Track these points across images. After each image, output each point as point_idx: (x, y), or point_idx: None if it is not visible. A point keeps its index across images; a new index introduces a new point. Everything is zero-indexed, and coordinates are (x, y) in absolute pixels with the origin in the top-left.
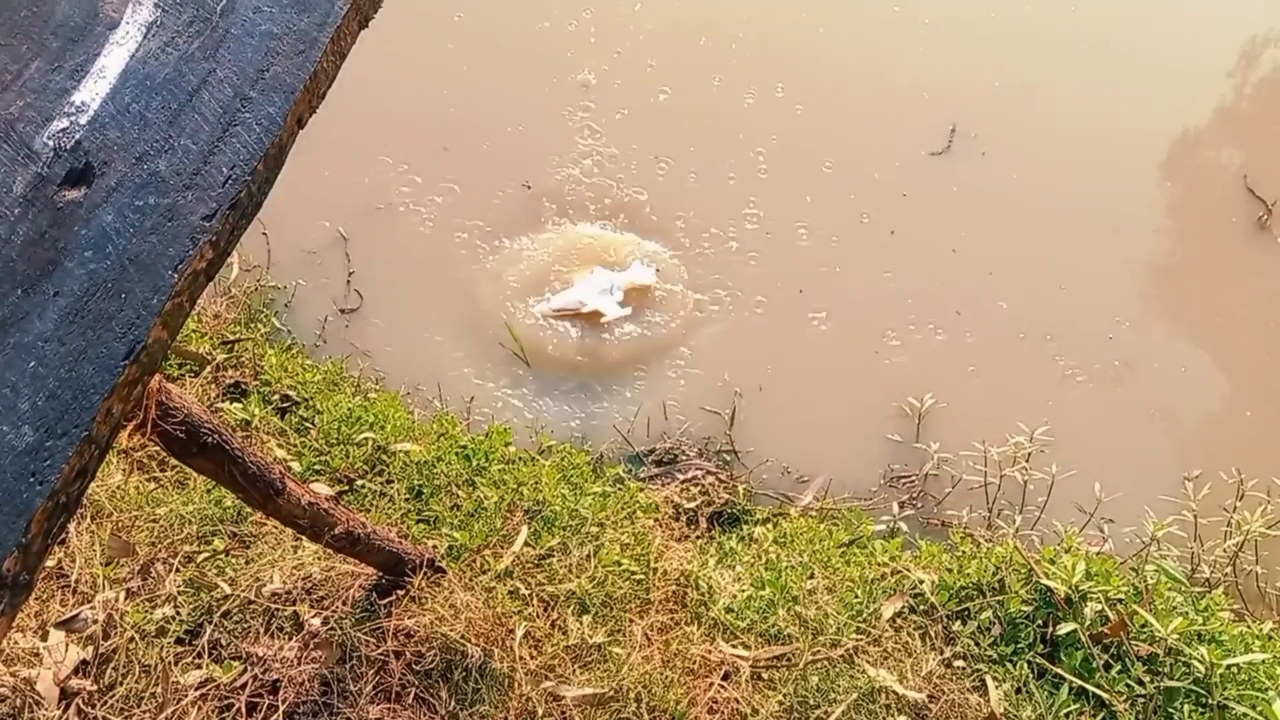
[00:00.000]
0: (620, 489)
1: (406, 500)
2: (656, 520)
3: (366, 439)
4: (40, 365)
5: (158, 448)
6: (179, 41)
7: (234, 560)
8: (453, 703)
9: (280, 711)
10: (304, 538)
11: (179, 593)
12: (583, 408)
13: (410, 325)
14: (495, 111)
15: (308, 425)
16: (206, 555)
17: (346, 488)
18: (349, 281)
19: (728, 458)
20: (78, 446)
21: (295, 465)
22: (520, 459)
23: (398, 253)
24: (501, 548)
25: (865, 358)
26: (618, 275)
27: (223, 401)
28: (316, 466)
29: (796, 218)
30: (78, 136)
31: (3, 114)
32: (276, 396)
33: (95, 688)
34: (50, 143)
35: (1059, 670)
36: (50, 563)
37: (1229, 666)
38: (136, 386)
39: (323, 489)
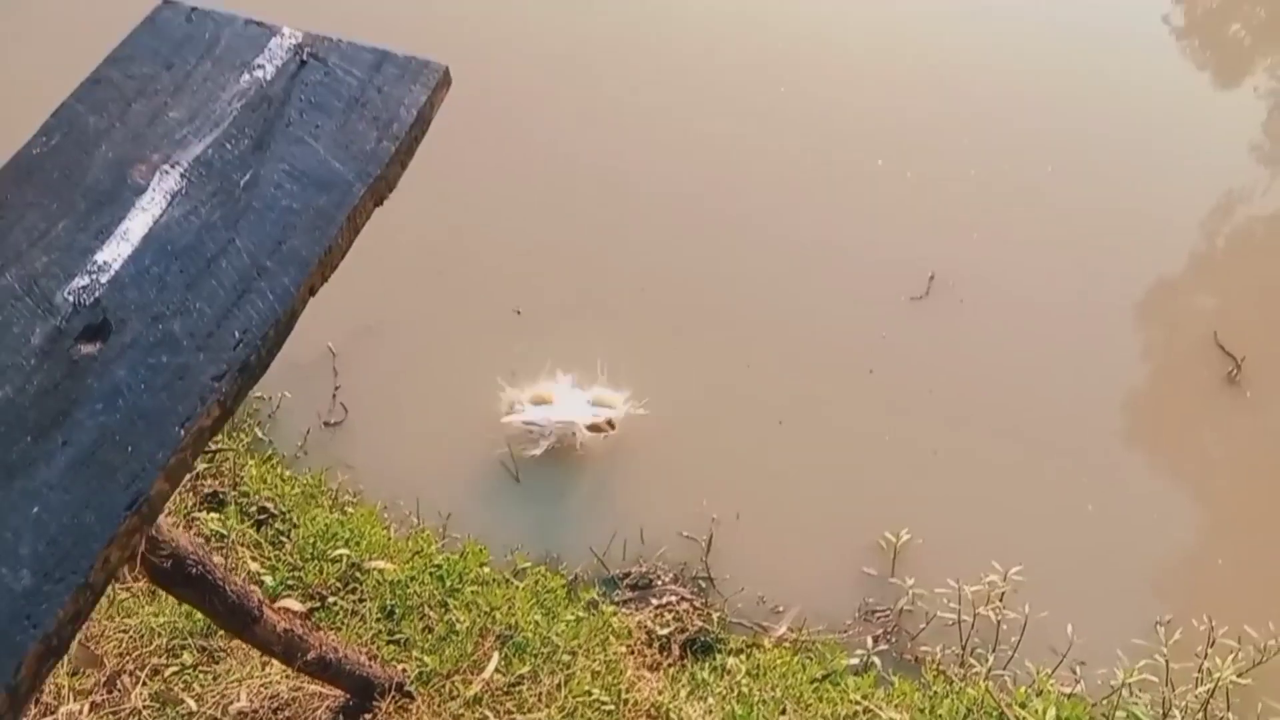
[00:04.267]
0: (594, 613)
1: (378, 620)
2: (629, 647)
3: (341, 555)
4: (44, 511)
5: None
6: (202, 210)
7: (202, 676)
8: None
9: None
10: (278, 663)
11: (144, 707)
12: (560, 527)
13: (394, 439)
14: (490, 237)
15: (283, 539)
16: (175, 669)
17: (319, 604)
18: (335, 395)
19: (703, 584)
20: (74, 592)
21: (269, 579)
22: (494, 580)
23: (386, 370)
24: (472, 674)
25: (843, 490)
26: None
27: (200, 511)
28: (290, 581)
29: (778, 352)
30: (98, 294)
31: (28, 269)
32: (254, 508)
33: None
34: (70, 298)
35: None
36: None
37: None
38: (135, 536)
39: (295, 605)
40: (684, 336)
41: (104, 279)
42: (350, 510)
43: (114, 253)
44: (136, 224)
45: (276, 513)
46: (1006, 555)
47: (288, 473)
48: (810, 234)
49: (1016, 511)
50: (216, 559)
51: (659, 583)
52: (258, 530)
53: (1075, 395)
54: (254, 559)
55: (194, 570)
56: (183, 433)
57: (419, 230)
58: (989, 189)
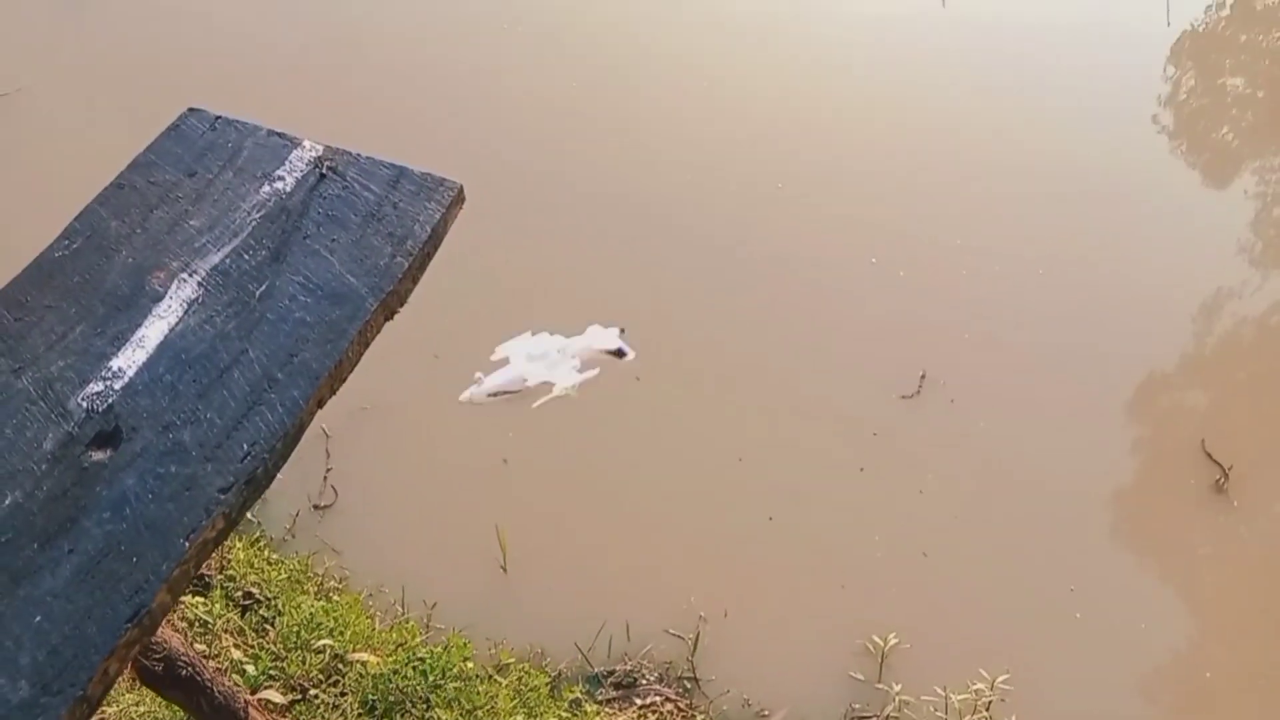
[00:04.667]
0: (577, 713)
1: (359, 716)
2: None
3: (325, 646)
4: (46, 620)
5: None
6: (217, 320)
7: None
8: None
9: None
10: None
11: None
12: (545, 620)
13: (382, 524)
14: (488, 327)
15: (268, 626)
16: None
17: (300, 697)
18: (325, 477)
19: (688, 684)
20: (71, 706)
21: (251, 669)
22: (477, 676)
23: (379, 452)
24: None
25: (832, 590)
26: (571, 340)
27: (185, 594)
28: (272, 671)
29: (770, 446)
30: (111, 400)
31: (44, 372)
32: (239, 593)
33: None
34: (84, 404)
35: None
36: None
37: None
38: (134, 647)
39: (276, 697)
40: (677, 428)
41: (118, 385)
42: (335, 598)
43: (129, 359)
44: (153, 331)
45: (262, 599)
46: (994, 662)
47: (275, 555)
48: (803, 329)
49: (1005, 617)
50: (199, 646)
51: (643, 682)
52: (242, 616)
53: (1063, 498)
54: (237, 646)
55: (184, 672)
56: (187, 545)
57: (417, 314)
58: (981, 289)
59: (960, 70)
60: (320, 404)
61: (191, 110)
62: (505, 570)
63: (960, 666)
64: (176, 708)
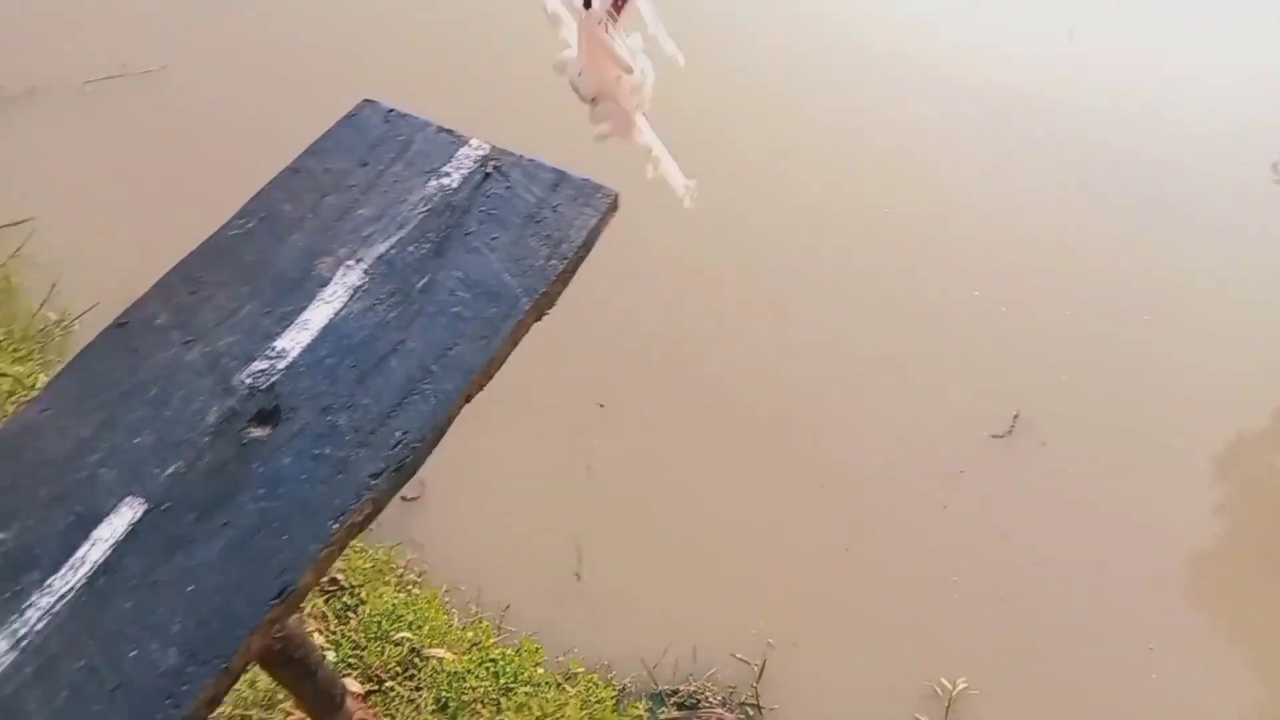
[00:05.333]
0: None
1: (433, 712)
2: None
3: (404, 639)
4: (198, 590)
5: None
6: (379, 309)
7: None
8: None
9: None
10: None
11: None
12: (614, 632)
13: (465, 522)
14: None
15: (350, 614)
16: None
17: (376, 687)
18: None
19: (751, 711)
20: (216, 676)
21: (331, 655)
22: (547, 683)
23: (468, 451)
24: None
25: (903, 628)
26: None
27: None
28: (351, 659)
29: (852, 475)
30: (274, 379)
31: (212, 346)
32: (325, 579)
33: None
34: (248, 380)
35: None
36: None
37: None
38: (277, 624)
39: (354, 686)
40: (760, 450)
41: (281, 365)
42: (415, 591)
43: (293, 340)
44: (317, 315)
45: (346, 586)
46: (1065, 716)
47: (360, 544)
48: (898, 359)
49: (1079, 671)
50: None
51: (706, 704)
52: (326, 602)
53: (1148, 553)
54: (320, 631)
55: (298, 654)
56: (336, 527)
57: None
58: (1083, 331)
59: (1082, 106)
60: (469, 399)
61: (367, 101)
62: (579, 579)
63: (1029, 717)
64: (260, 685)
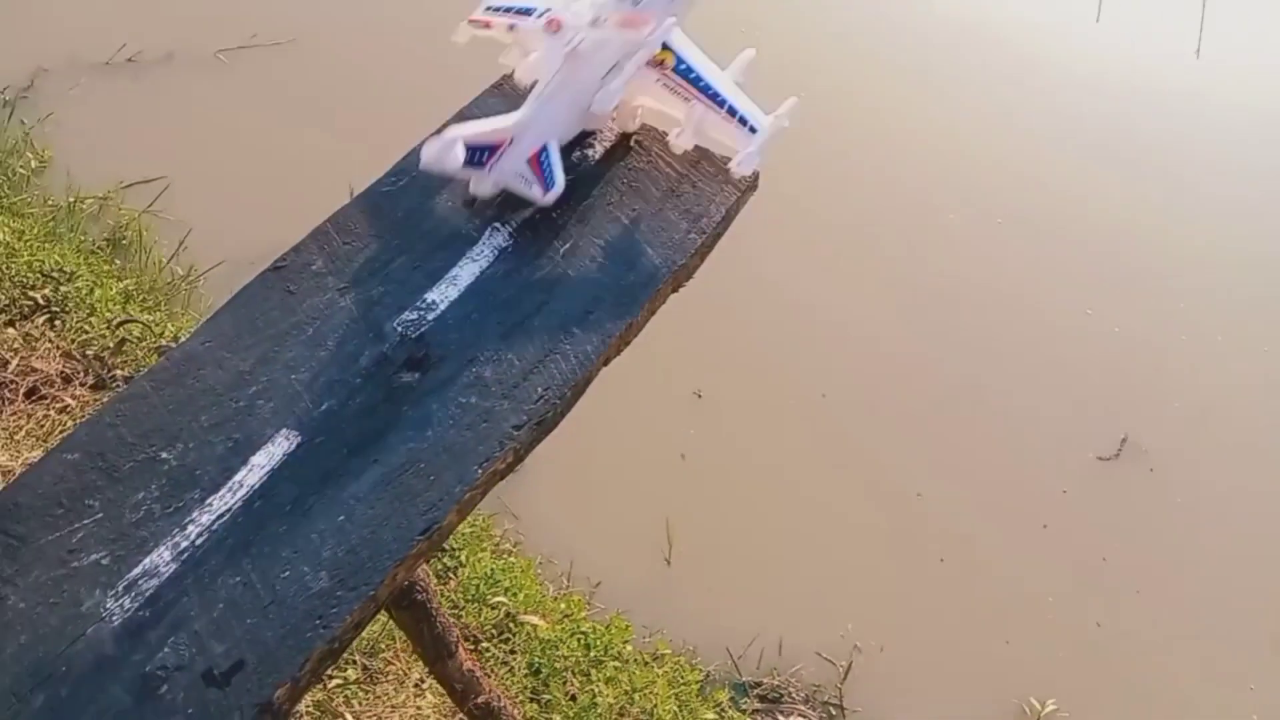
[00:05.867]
0: (723, 719)
1: (525, 675)
2: None
3: (500, 604)
4: (348, 520)
5: None
6: (524, 270)
7: (361, 694)
8: None
9: None
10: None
11: (305, 713)
12: (701, 618)
13: (561, 495)
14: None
15: (450, 575)
16: (339, 683)
17: (473, 647)
18: None
19: (833, 711)
20: (363, 603)
21: None
22: (635, 660)
23: (568, 428)
24: None
25: (994, 644)
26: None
27: None
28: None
29: (951, 486)
30: (424, 329)
31: (365, 294)
32: None
33: None
34: (399, 329)
35: None
36: None
37: None
38: (421, 560)
39: None
40: (859, 453)
41: (430, 316)
42: (510, 559)
43: (442, 294)
44: (465, 272)
45: (447, 548)
46: None
47: None
48: (1006, 372)
49: (1174, 704)
50: None
51: (788, 700)
52: (427, 561)
53: (1253, 588)
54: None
55: (420, 596)
56: (479, 472)
57: None
58: (1199, 357)
59: (1211, 125)
60: (607, 362)
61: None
62: (669, 563)
63: None
64: (365, 633)
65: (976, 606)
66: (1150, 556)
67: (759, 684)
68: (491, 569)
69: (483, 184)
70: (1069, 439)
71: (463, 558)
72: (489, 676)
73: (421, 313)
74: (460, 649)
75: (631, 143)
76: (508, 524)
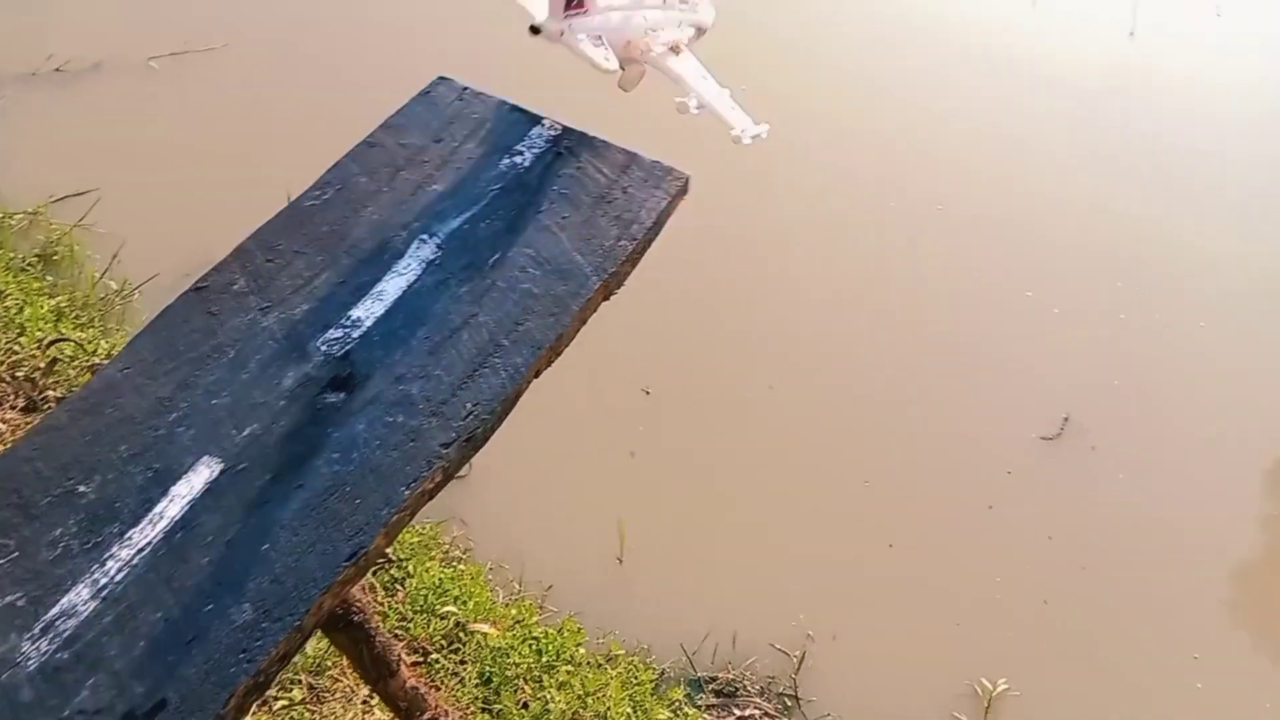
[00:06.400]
0: (678, 717)
1: (476, 685)
2: None
3: (449, 613)
4: (272, 549)
5: None
6: (451, 283)
7: (308, 714)
8: None
9: None
10: (389, 712)
11: None
12: (654, 616)
13: (510, 501)
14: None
15: (398, 586)
16: (284, 704)
17: (422, 659)
18: None
19: (789, 702)
20: (289, 634)
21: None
22: (588, 663)
23: (516, 431)
24: None
25: (945, 627)
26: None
27: None
28: (398, 631)
29: (898, 472)
30: (349, 347)
31: (289, 313)
32: None
33: None
34: (323, 348)
35: None
36: None
37: None
38: (348, 586)
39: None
40: (805, 443)
41: (355, 334)
42: (460, 566)
43: (368, 310)
44: (391, 286)
45: (394, 559)
46: None
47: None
48: (948, 356)
49: (1122, 677)
50: None
51: (744, 693)
52: (374, 574)
53: (1196, 561)
54: (368, 604)
55: (356, 618)
56: (407, 494)
57: None
58: (1137, 337)
59: (1147, 103)
60: (537, 374)
61: (441, 79)
62: (621, 562)
63: None
64: (310, 652)
65: (926, 590)
66: (1094, 533)
67: (714, 679)
68: (440, 578)
69: (555, 24)
70: (1012, 420)
71: (410, 568)
72: (439, 689)
73: (346, 330)
74: (402, 667)
75: (561, 149)
76: (456, 531)
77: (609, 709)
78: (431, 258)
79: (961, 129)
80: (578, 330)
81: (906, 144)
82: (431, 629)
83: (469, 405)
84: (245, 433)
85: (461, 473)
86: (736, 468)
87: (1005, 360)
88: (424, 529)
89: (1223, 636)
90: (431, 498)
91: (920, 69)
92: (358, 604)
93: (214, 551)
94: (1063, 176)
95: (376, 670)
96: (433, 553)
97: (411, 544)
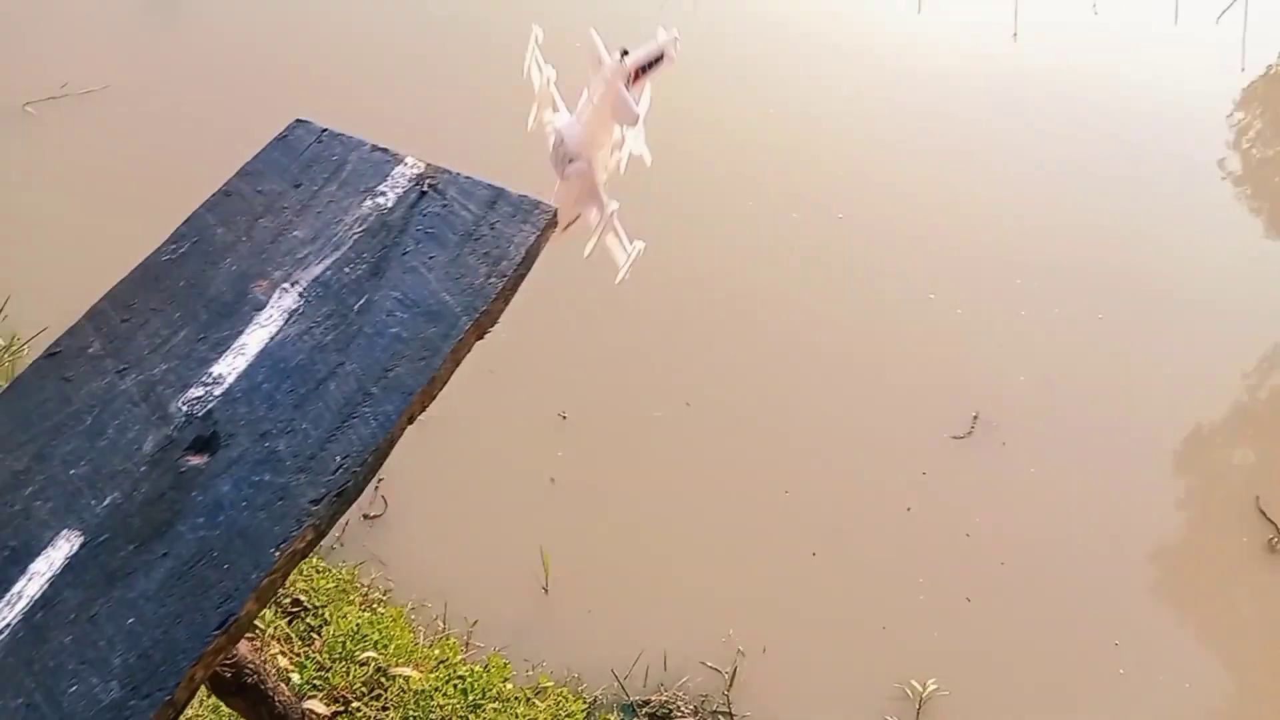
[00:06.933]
0: None
1: None
2: None
3: (369, 659)
4: (138, 623)
5: None
6: (316, 331)
7: None
8: None
9: None
10: None
11: None
12: (585, 644)
13: (429, 538)
14: (540, 342)
15: (314, 634)
16: None
17: (343, 709)
18: (377, 487)
19: (722, 718)
20: (159, 709)
21: (296, 677)
22: (516, 698)
23: (430, 465)
24: None
25: (872, 632)
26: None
27: None
28: (316, 681)
29: (817, 480)
30: (210, 406)
31: (147, 374)
32: (288, 599)
33: None
34: (184, 408)
35: None
36: None
37: None
38: (220, 655)
39: (320, 709)
40: (724, 458)
41: (217, 391)
42: (380, 609)
43: (229, 366)
44: (253, 339)
45: (309, 606)
46: (1035, 714)
47: (323, 564)
48: (857, 363)
49: (1048, 668)
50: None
51: (678, 713)
52: (289, 623)
53: (1113, 549)
54: (283, 654)
55: (250, 679)
56: (277, 554)
57: None
58: (1038, 331)
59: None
60: (411, 420)
61: (299, 122)
62: (547, 591)
63: (999, 717)
64: (225, 712)
65: (851, 596)
66: (1011, 528)
67: (647, 702)
68: (358, 623)
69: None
70: (923, 421)
71: (327, 615)
72: None
73: (208, 388)
74: None
75: (425, 187)
76: (375, 572)
77: None
78: (294, 307)
79: (855, 138)
80: (451, 372)
81: (805, 156)
82: (351, 676)
83: (338, 458)
84: (105, 502)
85: (377, 512)
86: (657, 487)
87: (914, 363)
88: (340, 573)
89: (1142, 621)
90: (304, 557)
91: (810, 79)
92: (250, 665)
93: (76, 629)
94: (956, 180)
95: None
96: (351, 597)
97: (328, 589)
